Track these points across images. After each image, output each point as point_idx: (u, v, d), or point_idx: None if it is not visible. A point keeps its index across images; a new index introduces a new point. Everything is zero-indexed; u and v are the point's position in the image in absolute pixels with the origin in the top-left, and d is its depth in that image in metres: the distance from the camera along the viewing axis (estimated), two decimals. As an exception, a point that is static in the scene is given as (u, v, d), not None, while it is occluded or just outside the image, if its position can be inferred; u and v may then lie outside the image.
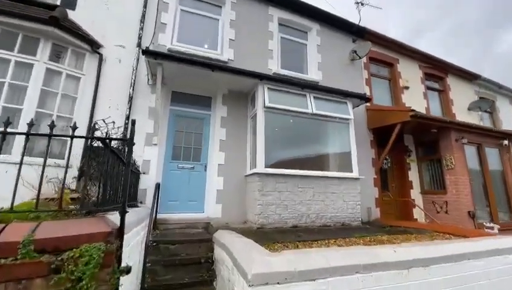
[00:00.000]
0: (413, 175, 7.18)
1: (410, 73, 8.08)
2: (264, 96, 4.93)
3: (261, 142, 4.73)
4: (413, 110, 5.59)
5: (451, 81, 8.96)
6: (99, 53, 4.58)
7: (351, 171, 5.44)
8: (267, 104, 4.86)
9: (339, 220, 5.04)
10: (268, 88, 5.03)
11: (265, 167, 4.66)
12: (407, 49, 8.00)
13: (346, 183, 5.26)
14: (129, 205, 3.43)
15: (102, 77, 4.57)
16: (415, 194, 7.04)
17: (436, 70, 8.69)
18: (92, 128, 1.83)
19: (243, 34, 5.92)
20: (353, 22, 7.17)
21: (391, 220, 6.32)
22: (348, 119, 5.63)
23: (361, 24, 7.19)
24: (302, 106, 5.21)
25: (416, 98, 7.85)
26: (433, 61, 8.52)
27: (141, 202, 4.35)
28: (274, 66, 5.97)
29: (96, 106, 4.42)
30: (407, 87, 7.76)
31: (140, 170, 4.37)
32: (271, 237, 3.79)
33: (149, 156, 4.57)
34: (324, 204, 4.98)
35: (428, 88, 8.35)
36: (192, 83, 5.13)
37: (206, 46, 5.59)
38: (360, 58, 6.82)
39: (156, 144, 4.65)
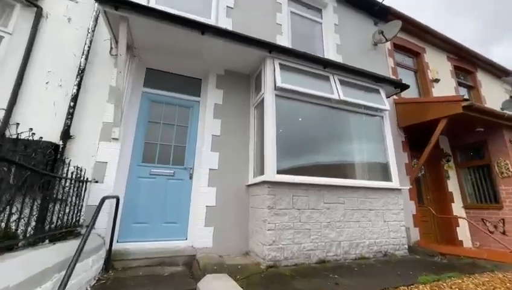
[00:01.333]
0: (452, 185, 5.80)
1: (437, 64, 6.88)
2: (275, 74, 3.54)
3: (271, 138, 3.30)
4: (467, 100, 4.28)
5: (481, 76, 7.82)
6: (37, 6, 3.15)
7: (389, 179, 4.02)
8: (279, 84, 3.46)
9: (379, 248, 3.57)
10: (280, 64, 3.65)
11: (278, 173, 3.21)
12: (436, 37, 6.84)
13: (385, 196, 3.83)
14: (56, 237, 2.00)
15: (39, 40, 3.12)
16: (457, 208, 5.64)
17: (466, 63, 7.55)
18: None
19: (244, 1, 4.61)
20: None
21: (434, 244, 4.88)
22: (382, 110, 4.27)
23: (385, 3, 6.00)
24: (325, 91, 3.83)
25: (448, 93, 6.61)
26: (462, 53, 7.38)
27: (87, 226, 2.80)
28: (284, 44, 4.63)
29: (26, 80, 2.94)
30: (437, 80, 6.54)
31: (89, 176, 2.86)
32: (292, 288, 2.29)
33: (105, 157, 3.07)
34: (359, 226, 3.51)
35: (459, 84, 7.16)
36: (175, 59, 3.72)
37: (196, 12, 4.23)
38: (386, 40, 5.58)
39: (116, 139, 3.16)
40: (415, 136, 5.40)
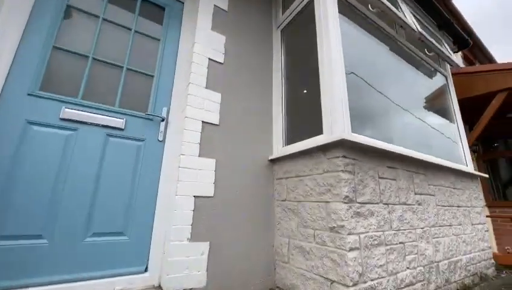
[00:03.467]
0: (474, 180, 4.99)
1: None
2: (335, -43, 1.91)
3: (340, 70, 1.64)
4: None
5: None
6: None
7: (463, 163, 2.77)
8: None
9: (475, 268, 2.24)
10: None
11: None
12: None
13: (468, 187, 2.55)
14: None
15: None
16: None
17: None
18: None
19: None
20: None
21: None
22: (449, 64, 3.04)
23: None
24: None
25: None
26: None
27: None
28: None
29: None
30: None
31: None
32: None
33: None
34: (453, 233, 2.13)
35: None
36: None
37: None
38: None
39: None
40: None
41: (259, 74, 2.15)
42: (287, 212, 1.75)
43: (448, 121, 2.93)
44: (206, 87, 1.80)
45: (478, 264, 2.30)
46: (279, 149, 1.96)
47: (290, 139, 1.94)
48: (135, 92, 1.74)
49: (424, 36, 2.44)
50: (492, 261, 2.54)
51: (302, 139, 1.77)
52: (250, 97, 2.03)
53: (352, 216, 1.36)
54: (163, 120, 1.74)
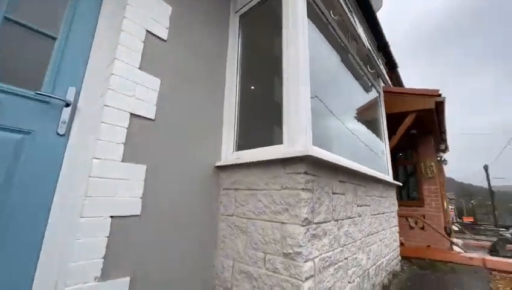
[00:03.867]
0: (383, 183, 5.96)
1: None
2: None
3: (303, 70, 1.47)
4: (440, 95, 4.12)
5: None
6: None
7: (385, 172, 3.15)
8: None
9: (390, 267, 2.55)
10: None
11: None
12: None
13: (389, 194, 2.90)
14: None
15: None
16: (387, 206, 5.81)
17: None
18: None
19: None
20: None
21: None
22: (384, 79, 3.38)
23: None
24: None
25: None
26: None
27: None
28: None
29: None
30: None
31: None
32: None
33: None
34: (379, 239, 2.34)
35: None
36: None
37: None
38: None
39: None
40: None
41: (211, 63, 1.80)
42: (234, 229, 1.51)
43: (376, 134, 3.27)
44: (141, 68, 1.35)
45: (392, 262, 2.63)
46: (229, 155, 1.68)
47: (242, 145, 1.69)
48: (21, 58, 1.14)
49: (371, 52, 2.58)
50: (400, 257, 2.99)
51: (257, 146, 1.55)
52: (198, 89, 1.67)
53: (309, 240, 1.23)
54: (67, 105, 1.20)
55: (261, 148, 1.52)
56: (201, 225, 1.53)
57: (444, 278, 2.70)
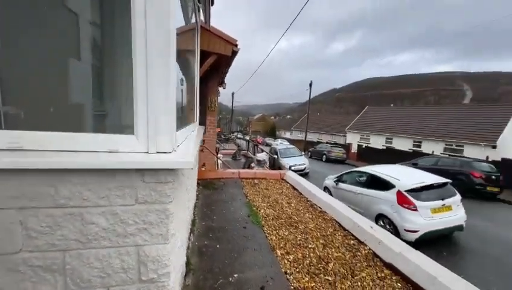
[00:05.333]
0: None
1: None
2: None
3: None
4: (237, 45, 4.73)
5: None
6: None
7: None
8: None
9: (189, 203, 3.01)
10: None
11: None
12: None
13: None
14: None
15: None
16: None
17: None
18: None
19: None
20: None
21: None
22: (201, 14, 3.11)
23: None
24: None
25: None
26: None
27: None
28: None
29: None
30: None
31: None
32: None
33: None
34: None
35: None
36: None
37: None
38: None
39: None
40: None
41: None
42: (40, 275, 0.87)
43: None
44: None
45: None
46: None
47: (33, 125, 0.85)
48: None
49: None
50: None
51: (79, 131, 0.87)
52: None
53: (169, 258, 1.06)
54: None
55: (90, 135, 0.87)
56: None
57: (223, 193, 3.79)
